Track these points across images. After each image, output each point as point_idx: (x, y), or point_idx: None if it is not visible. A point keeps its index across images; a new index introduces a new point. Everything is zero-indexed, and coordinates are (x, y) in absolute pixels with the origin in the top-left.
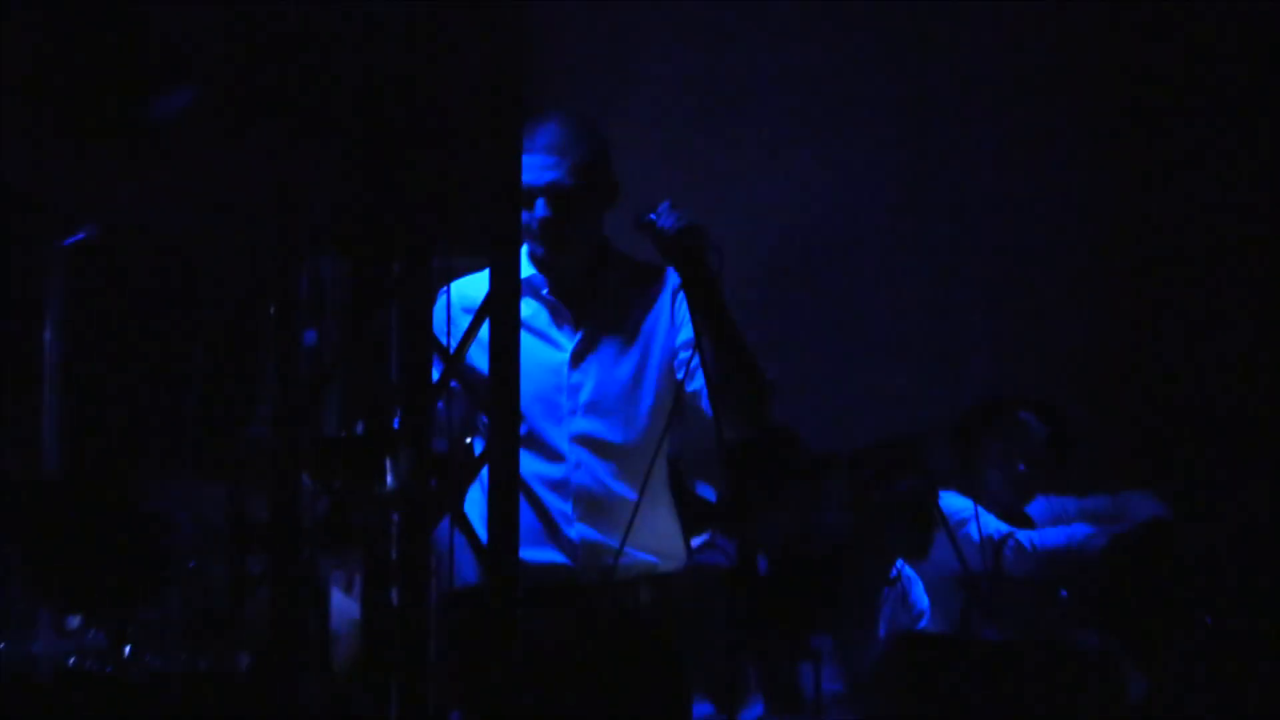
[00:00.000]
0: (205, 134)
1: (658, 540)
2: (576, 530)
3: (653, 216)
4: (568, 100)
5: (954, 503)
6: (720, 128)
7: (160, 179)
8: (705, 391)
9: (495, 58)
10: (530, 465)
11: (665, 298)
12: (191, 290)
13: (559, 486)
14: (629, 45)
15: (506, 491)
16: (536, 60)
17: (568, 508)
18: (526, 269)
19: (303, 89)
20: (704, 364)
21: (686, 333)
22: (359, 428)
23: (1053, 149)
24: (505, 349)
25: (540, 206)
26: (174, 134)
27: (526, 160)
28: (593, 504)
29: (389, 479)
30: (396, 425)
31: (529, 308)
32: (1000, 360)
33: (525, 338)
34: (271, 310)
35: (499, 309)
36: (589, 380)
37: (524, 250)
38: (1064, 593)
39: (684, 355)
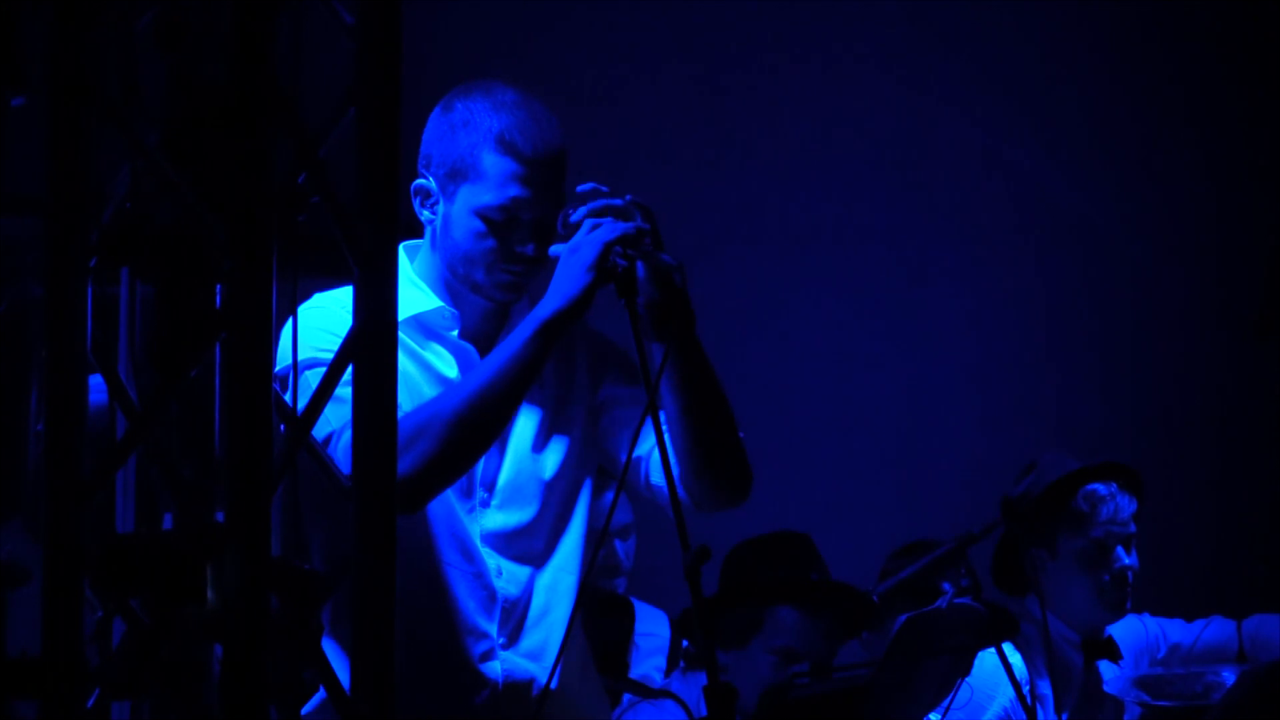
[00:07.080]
0: None
1: (592, 680)
2: (502, 665)
3: (575, 217)
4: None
5: (984, 663)
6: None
7: None
8: (657, 457)
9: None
10: (434, 574)
11: (578, 335)
12: None
13: (478, 603)
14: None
15: (378, 618)
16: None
17: (492, 630)
18: (430, 300)
19: (87, 39)
20: (657, 418)
21: (612, 384)
22: (166, 522)
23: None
24: (379, 407)
25: (522, 237)
26: None
27: (502, 167)
28: (524, 625)
29: (209, 595)
30: (220, 519)
31: (433, 354)
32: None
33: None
34: (39, 350)
35: (369, 351)
36: (508, 454)
37: (415, 272)
38: None
39: (621, 413)
